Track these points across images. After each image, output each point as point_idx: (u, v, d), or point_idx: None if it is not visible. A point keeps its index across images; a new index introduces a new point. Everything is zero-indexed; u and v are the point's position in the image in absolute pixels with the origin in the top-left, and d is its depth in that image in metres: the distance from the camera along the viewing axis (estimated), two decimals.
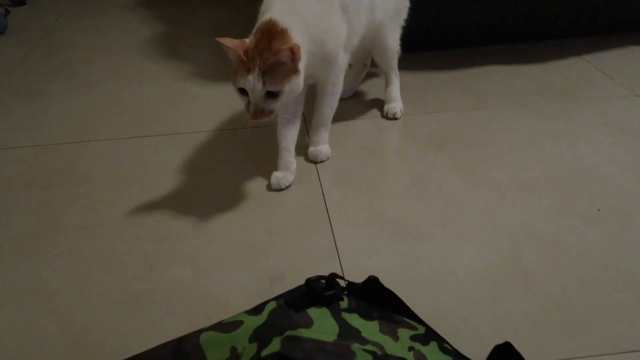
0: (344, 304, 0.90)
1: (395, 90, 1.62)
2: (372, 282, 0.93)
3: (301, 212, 1.25)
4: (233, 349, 0.82)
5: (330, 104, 1.40)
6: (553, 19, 1.97)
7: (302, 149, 1.44)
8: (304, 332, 0.81)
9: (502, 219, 1.19)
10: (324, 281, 0.92)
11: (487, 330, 0.94)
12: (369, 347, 0.83)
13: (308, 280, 0.91)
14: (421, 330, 0.88)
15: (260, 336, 0.82)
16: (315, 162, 1.41)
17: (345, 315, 0.88)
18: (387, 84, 1.62)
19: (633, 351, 0.90)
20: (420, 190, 1.30)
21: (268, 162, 1.39)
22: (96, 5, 2.67)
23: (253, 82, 1.13)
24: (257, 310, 0.89)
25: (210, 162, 1.44)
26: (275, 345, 0.77)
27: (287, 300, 0.90)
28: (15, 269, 1.13)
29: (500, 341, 0.80)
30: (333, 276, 0.92)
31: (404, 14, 1.55)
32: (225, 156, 1.46)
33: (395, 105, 1.60)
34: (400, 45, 1.58)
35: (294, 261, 1.12)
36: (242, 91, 1.17)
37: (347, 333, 0.84)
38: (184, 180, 1.37)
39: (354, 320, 0.87)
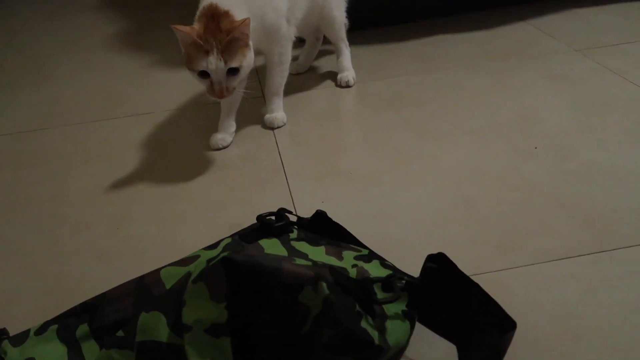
0: (293, 235, 0.97)
1: (347, 60, 1.70)
2: (320, 216, 1.01)
3: (259, 171, 1.32)
4: (188, 274, 0.89)
5: (279, 73, 1.47)
6: None
7: (260, 117, 1.51)
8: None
9: (447, 162, 1.28)
10: (274, 217, 0.99)
11: (428, 251, 1.02)
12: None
13: (259, 216, 0.99)
14: (365, 252, 0.95)
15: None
16: (272, 128, 1.49)
17: (294, 243, 0.95)
18: (338, 54, 1.70)
19: (563, 258, 0.98)
20: (371, 144, 1.38)
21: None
22: (62, 8, 2.73)
23: (215, 62, 1.20)
24: (213, 245, 0.96)
25: (175, 135, 1.52)
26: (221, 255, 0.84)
27: (240, 234, 0.97)
28: None
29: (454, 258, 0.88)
30: (282, 210, 0.99)
31: None
32: (189, 130, 1.54)
33: (348, 73, 1.68)
34: (351, 21, 1.66)
35: (252, 212, 1.18)
36: (202, 74, 1.24)
37: (295, 256, 0.92)
38: (150, 154, 1.44)
39: (302, 246, 0.94)
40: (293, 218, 1.00)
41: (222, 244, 0.95)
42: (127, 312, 0.88)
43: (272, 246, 0.94)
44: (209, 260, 0.90)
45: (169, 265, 0.95)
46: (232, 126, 1.45)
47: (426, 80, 1.66)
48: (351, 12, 1.66)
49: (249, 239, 0.95)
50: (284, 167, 1.32)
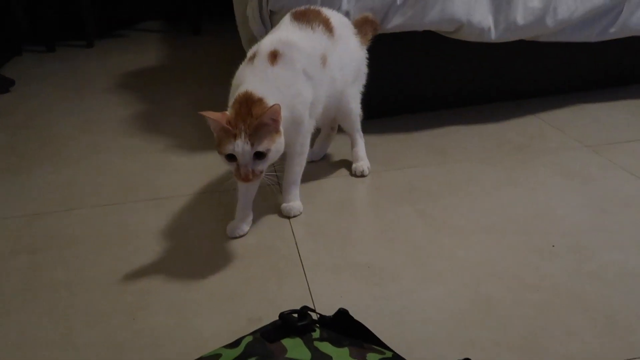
0: (316, 334, 0.96)
1: (361, 150, 1.73)
2: (342, 314, 1.00)
3: (276, 262, 1.32)
4: None
5: (298, 164, 1.51)
6: (508, 81, 2.13)
7: (277, 206, 1.53)
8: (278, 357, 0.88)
9: (465, 259, 1.28)
10: (296, 315, 0.98)
11: (451, 354, 1.01)
12: None
13: (281, 314, 0.98)
14: (389, 355, 0.94)
15: None
16: (288, 217, 1.49)
17: (317, 343, 0.94)
18: (352, 144, 1.73)
19: None
20: (388, 237, 1.38)
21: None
22: (78, 90, 2.79)
23: (242, 145, 1.23)
24: (234, 344, 0.95)
25: (190, 222, 1.52)
26: None
27: (262, 332, 0.96)
28: (1, 326, 1.18)
29: None
30: (305, 309, 0.98)
31: (362, 80, 1.69)
32: (205, 217, 1.54)
33: (363, 163, 1.70)
34: (364, 111, 1.71)
35: (270, 305, 1.18)
36: (230, 157, 1.26)
37: (319, 358, 0.90)
38: (165, 240, 1.44)
39: (326, 347, 0.93)
40: (314, 315, 0.99)
41: (243, 342, 0.94)
42: None
43: (295, 346, 0.93)
44: None
45: None
46: (250, 215, 1.47)
47: (440, 172, 1.68)
48: (364, 102, 1.70)
49: (271, 338, 0.94)
50: (301, 259, 1.32)
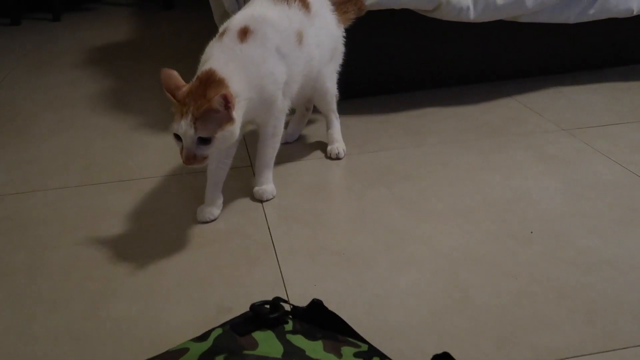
0: (289, 326, 0.92)
1: (337, 132, 1.68)
2: (316, 305, 0.96)
3: (248, 247, 1.28)
4: None
5: (271, 146, 1.45)
6: (485, 63, 2.10)
7: (249, 189, 1.48)
8: (248, 355, 0.84)
9: (441, 244, 1.25)
10: (268, 306, 0.94)
11: (428, 345, 0.98)
12: None
13: (252, 305, 0.94)
14: (364, 347, 0.91)
15: None
16: (261, 201, 1.45)
17: (289, 336, 0.90)
18: (328, 126, 1.69)
19: (565, 358, 0.95)
20: (363, 222, 1.35)
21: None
22: (43, 65, 2.69)
23: (185, 127, 1.17)
24: (203, 337, 0.90)
25: (159, 205, 1.47)
26: None
27: (232, 325, 0.92)
28: None
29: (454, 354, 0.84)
30: (277, 300, 0.94)
31: (339, 59, 1.63)
32: (174, 200, 1.49)
33: (338, 145, 1.66)
34: (341, 91, 1.66)
35: (241, 293, 1.14)
36: (177, 137, 1.21)
37: (292, 353, 0.86)
38: (132, 224, 1.39)
39: (299, 340, 0.89)
40: (287, 306, 0.96)
41: (212, 335, 0.90)
42: None
43: (266, 340, 0.89)
44: (201, 357, 0.85)
45: (154, 358, 0.89)
46: (219, 198, 1.41)
47: (416, 154, 1.64)
48: (341, 81, 1.66)
49: (241, 331, 0.90)
50: (273, 244, 1.28)
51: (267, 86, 1.33)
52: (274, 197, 1.46)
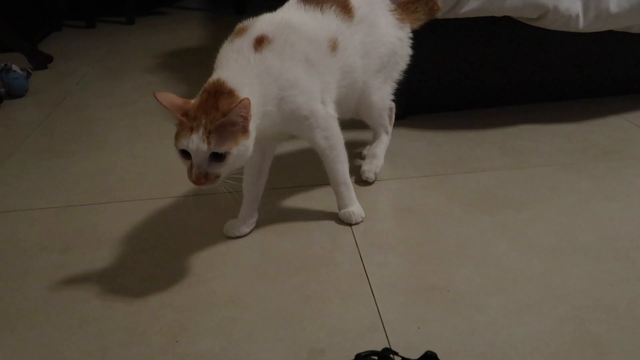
0: None
1: (381, 147, 1.51)
2: (430, 359, 0.82)
3: (338, 278, 1.15)
4: None
5: (334, 160, 1.29)
6: (588, 77, 1.91)
7: (334, 210, 1.35)
8: None
9: (562, 287, 1.08)
10: (376, 357, 0.81)
11: None
12: None
13: (358, 357, 0.81)
14: None
15: None
16: (349, 224, 1.31)
17: None
18: (374, 139, 1.53)
19: None
20: (466, 255, 1.20)
21: (297, 223, 1.30)
22: (117, 69, 2.65)
23: (197, 142, 1.03)
24: None
25: None
26: None
27: None
28: (26, 340, 1.03)
29: None
30: (387, 351, 0.81)
31: (399, 66, 1.46)
32: (259, 216, 1.37)
33: (376, 162, 1.48)
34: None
35: (334, 332, 1.01)
36: (184, 153, 1.07)
37: None
38: (210, 244, 1.28)
39: None
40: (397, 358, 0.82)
41: None
42: None
43: None
44: None
45: None
46: (253, 217, 1.31)
47: (519, 178, 1.48)
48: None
49: None
50: (367, 276, 1.15)
51: (291, 98, 1.18)
52: (362, 219, 1.32)
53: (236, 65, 1.15)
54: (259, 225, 1.33)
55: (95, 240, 1.32)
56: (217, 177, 1.07)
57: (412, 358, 0.84)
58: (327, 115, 1.26)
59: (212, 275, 1.18)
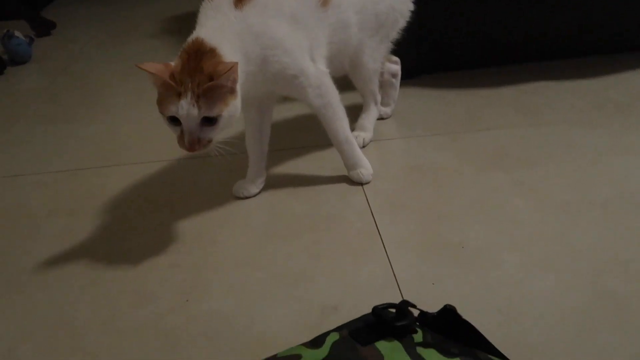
0: (418, 337, 0.77)
1: (369, 119, 1.46)
2: (449, 313, 0.80)
3: (350, 237, 1.13)
4: None
5: (333, 117, 1.23)
6: (605, 32, 1.85)
7: (343, 169, 1.32)
8: None
9: (579, 242, 1.06)
10: (393, 310, 0.79)
11: None
12: None
13: (375, 309, 0.79)
14: None
15: None
16: (360, 184, 1.29)
17: (420, 350, 0.75)
18: (363, 109, 1.47)
19: None
20: (480, 212, 1.17)
21: (308, 183, 1.28)
22: (121, 35, 2.61)
23: (187, 107, 0.98)
24: (316, 342, 0.76)
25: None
26: None
27: (352, 331, 0.77)
28: (37, 302, 1.02)
29: None
30: (405, 304, 0.79)
31: (395, 25, 1.39)
32: (265, 180, 1.35)
33: (361, 134, 1.43)
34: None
35: (347, 290, 0.99)
36: (173, 120, 1.02)
37: None
38: (221, 205, 1.26)
39: (432, 356, 0.74)
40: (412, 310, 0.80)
41: (328, 342, 0.76)
42: None
43: (393, 351, 0.74)
44: None
45: None
46: (262, 175, 1.29)
47: (533, 135, 1.44)
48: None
49: (363, 340, 0.75)
50: (380, 234, 1.12)
51: (274, 57, 1.12)
52: (371, 177, 1.29)
53: (214, 23, 1.09)
54: (268, 186, 1.31)
55: (102, 203, 1.30)
56: (210, 141, 1.04)
57: (431, 312, 0.82)
58: (317, 72, 1.20)
59: (222, 236, 1.16)
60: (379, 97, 1.48)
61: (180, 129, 1.02)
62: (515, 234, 1.09)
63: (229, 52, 1.04)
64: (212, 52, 1.03)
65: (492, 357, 0.76)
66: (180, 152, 1.47)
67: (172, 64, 1.04)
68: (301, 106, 1.61)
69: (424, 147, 1.44)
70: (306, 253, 1.09)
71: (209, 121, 1.01)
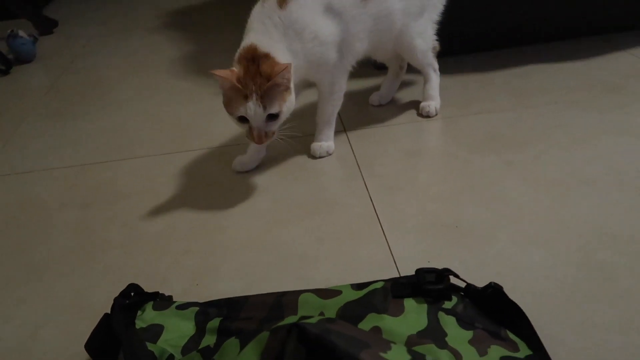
0: (450, 304, 0.86)
1: (433, 88, 1.56)
2: (493, 290, 0.86)
3: (350, 220, 1.18)
4: (321, 315, 0.85)
5: (331, 103, 1.40)
6: (594, 13, 1.90)
7: (343, 156, 1.38)
8: (386, 319, 0.83)
9: (569, 218, 1.11)
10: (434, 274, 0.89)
11: (572, 338, 0.86)
12: (442, 353, 0.76)
13: (418, 270, 0.90)
14: (522, 354, 0.79)
15: (346, 311, 0.84)
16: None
17: (441, 315, 0.84)
18: (425, 81, 1.57)
19: None
20: (474, 192, 1.22)
21: (309, 170, 1.33)
22: (123, 30, 2.66)
23: (254, 107, 1.14)
24: (361, 286, 0.91)
25: (251, 175, 1.39)
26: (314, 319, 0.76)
27: (393, 284, 0.89)
28: (55, 289, 1.08)
29: (588, 348, 0.73)
30: (446, 271, 0.88)
31: (435, 9, 1.48)
32: (267, 168, 1.41)
33: (431, 103, 1.54)
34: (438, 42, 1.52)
35: (348, 270, 1.05)
36: (241, 119, 1.17)
37: (430, 333, 0.81)
38: (227, 194, 1.32)
39: (448, 323, 0.83)
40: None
41: (369, 288, 0.89)
42: (253, 325, 0.88)
43: (414, 310, 0.85)
44: (346, 305, 0.86)
45: (310, 290, 0.91)
46: (261, 152, 1.40)
47: (524, 117, 1.50)
48: (441, 40, 1.52)
49: (396, 293, 0.88)
50: (378, 216, 1.18)
51: (314, 49, 1.25)
52: (329, 154, 1.42)
53: (263, 27, 1.22)
54: (270, 173, 1.37)
55: (113, 195, 1.36)
56: (274, 133, 1.20)
57: (475, 285, 0.88)
58: (339, 66, 1.33)
59: (228, 223, 1.22)
60: (436, 65, 1.56)
61: (248, 125, 1.18)
62: (506, 213, 1.15)
63: (280, 54, 1.18)
64: (266, 57, 1.16)
65: (516, 339, 0.81)
66: (187, 144, 1.54)
67: (235, 69, 1.17)
68: (302, 95, 1.67)
69: (419, 131, 1.49)
70: (308, 236, 1.15)
71: (272, 117, 1.17)
